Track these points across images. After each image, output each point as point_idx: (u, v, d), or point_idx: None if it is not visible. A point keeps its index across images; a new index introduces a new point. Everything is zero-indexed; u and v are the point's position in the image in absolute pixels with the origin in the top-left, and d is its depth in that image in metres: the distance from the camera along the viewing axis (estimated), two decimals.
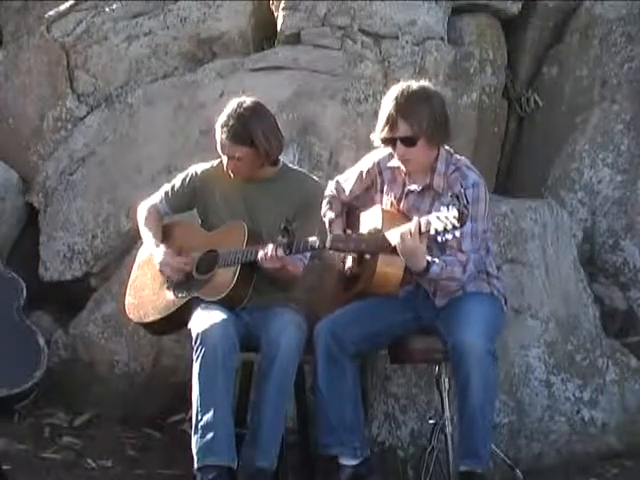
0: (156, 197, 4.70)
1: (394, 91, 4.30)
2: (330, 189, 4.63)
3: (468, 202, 3.90)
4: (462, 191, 3.99)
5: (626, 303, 5.43)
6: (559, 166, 5.72)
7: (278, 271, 4.27)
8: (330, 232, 4.47)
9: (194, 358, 4.17)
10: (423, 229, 3.96)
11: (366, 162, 4.53)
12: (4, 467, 4.40)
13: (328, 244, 4.15)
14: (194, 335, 4.20)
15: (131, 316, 4.62)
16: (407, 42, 5.56)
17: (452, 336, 4.15)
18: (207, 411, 4.12)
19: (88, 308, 5.39)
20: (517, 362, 4.81)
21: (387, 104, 4.27)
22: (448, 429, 4.27)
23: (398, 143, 4.26)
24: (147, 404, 5.16)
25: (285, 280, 4.41)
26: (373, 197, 4.48)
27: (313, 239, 4.20)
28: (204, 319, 4.24)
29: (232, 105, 4.43)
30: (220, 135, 4.41)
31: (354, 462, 4.31)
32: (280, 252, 4.19)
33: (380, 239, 4.11)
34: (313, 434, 4.40)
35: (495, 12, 5.90)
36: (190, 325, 4.31)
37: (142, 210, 4.71)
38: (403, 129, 4.22)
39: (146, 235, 4.65)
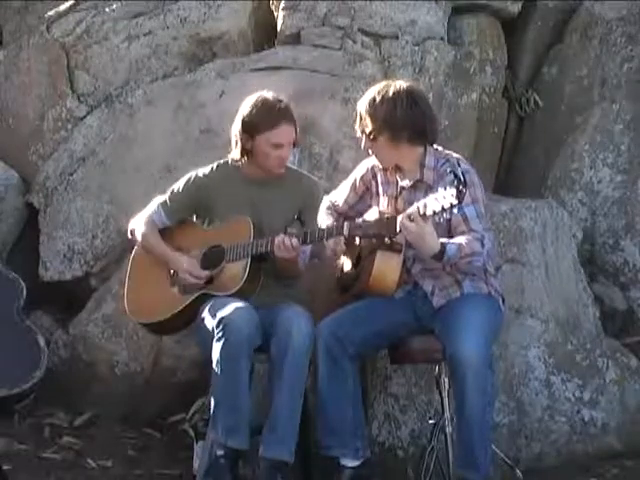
0: (150, 208, 4.62)
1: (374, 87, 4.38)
2: (324, 204, 4.63)
3: (466, 181, 3.92)
4: (459, 170, 4.05)
5: (626, 303, 5.43)
6: (559, 166, 5.72)
7: (289, 261, 4.27)
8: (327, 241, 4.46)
9: (216, 340, 4.14)
10: (421, 211, 3.96)
11: (360, 169, 4.56)
12: (4, 467, 4.39)
13: (346, 231, 4.15)
14: (216, 320, 4.16)
15: (134, 317, 4.59)
16: (407, 42, 5.56)
17: (449, 345, 4.14)
18: (230, 392, 4.11)
19: (88, 308, 5.38)
20: (517, 362, 4.80)
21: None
22: (448, 429, 4.26)
23: (364, 136, 4.35)
24: (147, 404, 5.16)
25: (290, 275, 4.43)
26: (369, 203, 4.48)
27: (329, 226, 4.23)
28: (225, 306, 4.21)
29: (261, 95, 4.48)
30: (282, 123, 4.41)
31: (355, 463, 4.30)
32: (295, 241, 4.20)
33: (398, 223, 4.08)
34: (313, 434, 4.39)
35: (495, 12, 5.90)
36: (204, 315, 4.27)
37: (138, 225, 4.63)
38: (366, 124, 4.31)
39: (156, 248, 4.58)
